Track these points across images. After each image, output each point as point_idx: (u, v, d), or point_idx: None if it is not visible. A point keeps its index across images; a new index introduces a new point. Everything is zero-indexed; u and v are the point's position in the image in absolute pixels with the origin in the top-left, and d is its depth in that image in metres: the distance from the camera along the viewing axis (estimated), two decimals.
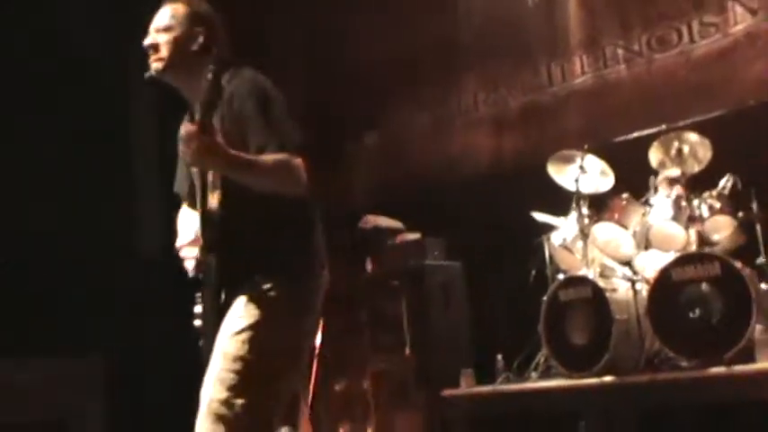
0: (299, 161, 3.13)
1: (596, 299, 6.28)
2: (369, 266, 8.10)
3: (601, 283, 6.35)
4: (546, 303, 6.53)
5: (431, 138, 8.76)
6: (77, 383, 7.67)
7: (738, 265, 5.84)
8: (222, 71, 3.22)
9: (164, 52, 3.36)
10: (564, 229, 6.79)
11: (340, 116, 9.45)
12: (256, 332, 3.11)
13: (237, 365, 3.07)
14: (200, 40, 3.40)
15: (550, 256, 6.95)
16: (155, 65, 3.39)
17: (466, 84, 8.62)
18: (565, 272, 6.77)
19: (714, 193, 6.28)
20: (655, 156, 6.63)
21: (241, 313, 3.15)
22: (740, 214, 6.18)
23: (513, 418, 6.64)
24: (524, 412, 6.58)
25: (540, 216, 6.97)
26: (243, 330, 3.12)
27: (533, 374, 6.73)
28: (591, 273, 6.45)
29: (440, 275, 7.64)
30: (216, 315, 3.17)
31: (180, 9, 3.41)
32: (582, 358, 6.25)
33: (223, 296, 3.20)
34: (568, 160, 6.83)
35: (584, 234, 6.56)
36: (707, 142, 6.48)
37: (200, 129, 2.95)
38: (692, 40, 7.24)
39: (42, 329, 7.15)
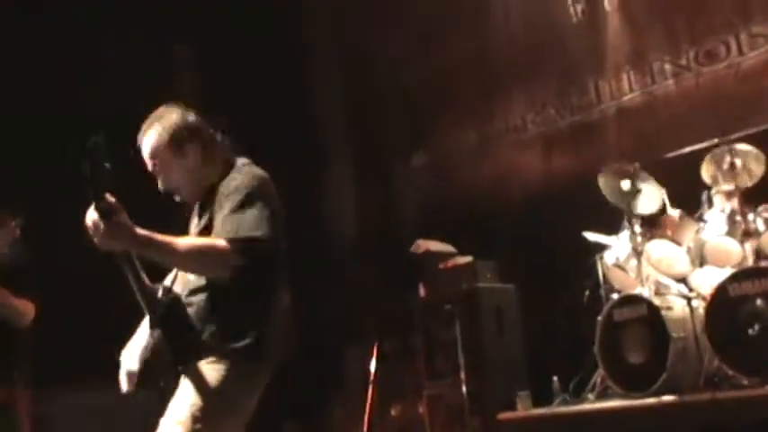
0: (223, 249, 3.21)
1: (652, 317, 6.18)
2: (422, 291, 8.07)
3: (656, 301, 6.25)
4: (601, 323, 6.44)
5: (479, 158, 8.76)
6: None
7: None
8: (225, 171, 3.51)
9: (182, 186, 3.55)
10: (616, 247, 6.72)
11: (387, 137, 9.48)
12: (201, 402, 3.26)
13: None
14: (198, 155, 3.54)
15: (604, 276, 6.88)
16: (183, 197, 3.60)
17: (513, 103, 8.61)
18: (619, 291, 6.69)
19: None
20: (707, 170, 6.54)
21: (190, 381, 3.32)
22: None
23: None
24: None
25: (591, 236, 6.90)
26: (189, 400, 3.28)
27: (590, 396, 6.63)
28: (646, 291, 6.35)
29: (493, 298, 7.59)
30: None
31: (160, 143, 3.49)
32: (639, 378, 6.15)
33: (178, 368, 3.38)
34: (619, 178, 6.74)
35: (637, 252, 6.47)
36: (761, 155, 6.39)
37: (99, 214, 3.00)
38: (740, 52, 7.16)
39: None
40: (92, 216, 3.04)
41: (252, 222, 3.28)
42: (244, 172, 3.49)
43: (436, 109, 8.99)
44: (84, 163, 2.95)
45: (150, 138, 3.50)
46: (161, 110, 3.58)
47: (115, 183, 3.04)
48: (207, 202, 3.52)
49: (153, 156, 3.49)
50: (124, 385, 3.45)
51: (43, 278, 5.10)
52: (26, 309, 5.01)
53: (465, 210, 8.47)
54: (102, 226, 3.01)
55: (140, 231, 3.10)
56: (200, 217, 3.56)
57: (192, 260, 3.25)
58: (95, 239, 3.06)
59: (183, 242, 3.25)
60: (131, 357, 3.45)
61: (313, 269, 8.64)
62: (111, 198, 3.02)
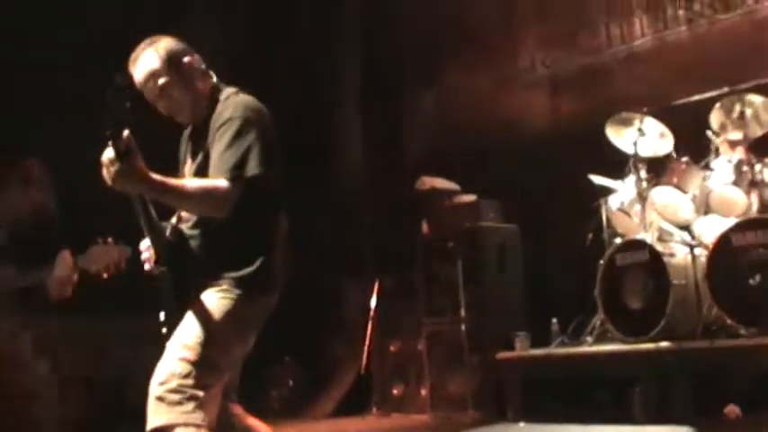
0: (225, 189, 3.23)
1: (654, 263, 6.21)
2: (424, 228, 8.09)
3: (658, 247, 6.27)
4: (602, 267, 6.48)
5: (487, 98, 8.69)
6: None
7: None
8: (216, 94, 3.53)
9: (182, 105, 3.52)
10: (621, 192, 6.72)
11: (397, 74, 9.43)
12: (210, 327, 3.30)
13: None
14: (196, 70, 3.55)
15: (607, 220, 6.89)
16: (179, 118, 3.58)
17: (524, 44, 8.54)
18: (622, 236, 6.71)
19: None
20: (716, 118, 6.51)
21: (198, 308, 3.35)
22: None
23: (568, 382, 6.63)
24: (579, 376, 6.56)
25: (597, 179, 6.90)
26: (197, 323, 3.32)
27: (588, 339, 6.70)
28: (648, 237, 6.36)
29: (496, 238, 7.62)
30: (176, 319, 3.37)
31: (155, 64, 3.48)
32: (638, 323, 6.20)
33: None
34: (627, 123, 6.73)
35: (642, 197, 6.48)
36: None
37: (116, 155, 3.03)
38: (756, 0, 7.09)
39: None
40: (108, 155, 3.05)
41: (248, 157, 3.29)
42: (234, 101, 3.46)
43: (447, 47, 8.92)
44: (104, 101, 2.97)
45: (143, 65, 3.48)
46: (147, 40, 3.55)
47: (134, 124, 3.05)
48: (200, 135, 3.52)
49: (151, 77, 3.47)
50: (147, 264, 3.50)
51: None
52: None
53: (471, 149, 8.42)
54: (116, 166, 3.03)
55: (153, 175, 3.12)
56: (194, 154, 3.56)
57: (199, 203, 3.29)
58: (108, 178, 3.07)
59: (190, 186, 3.28)
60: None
61: (315, 203, 8.65)
62: (128, 138, 3.03)
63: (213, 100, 3.52)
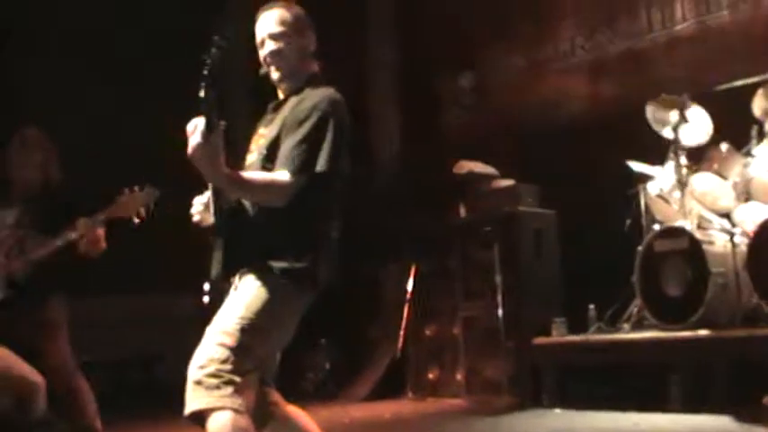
0: (286, 184, 3.27)
1: (693, 251, 6.16)
2: (462, 212, 8.08)
3: (698, 234, 6.22)
4: (641, 254, 6.44)
5: (526, 82, 8.66)
6: None
7: None
8: (310, 79, 3.58)
9: (285, 62, 3.59)
10: (661, 178, 6.65)
11: (435, 57, 9.41)
12: (250, 315, 3.29)
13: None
14: (311, 48, 3.66)
15: (646, 206, 6.82)
16: (275, 73, 3.60)
17: (563, 28, 8.48)
18: (661, 222, 6.65)
19: None
20: (758, 105, 6.43)
21: (240, 293, 3.36)
22: None
23: (604, 368, 6.60)
24: (615, 363, 6.53)
25: (636, 165, 6.84)
26: (239, 307, 3.31)
27: (626, 326, 6.66)
28: (688, 224, 6.31)
29: (533, 223, 7.58)
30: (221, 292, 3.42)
31: (288, 16, 3.62)
32: (676, 311, 6.16)
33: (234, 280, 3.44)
34: (668, 108, 6.66)
35: (681, 184, 6.41)
36: None
37: (206, 127, 3.07)
38: None
39: None
40: (195, 122, 3.10)
41: (318, 153, 3.32)
42: (321, 92, 3.49)
43: (487, 31, 8.90)
44: (207, 65, 3.06)
45: (276, 12, 3.61)
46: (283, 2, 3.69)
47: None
48: (279, 108, 3.56)
49: (278, 24, 3.57)
50: (196, 216, 3.54)
51: None
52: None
53: (509, 133, 8.41)
54: (198, 140, 3.07)
55: (223, 164, 3.14)
56: (268, 122, 3.59)
57: (256, 195, 3.34)
58: (189, 147, 3.10)
59: (251, 180, 3.32)
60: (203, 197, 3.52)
61: (353, 187, 8.65)
62: (221, 126, 3.09)
63: (305, 83, 3.57)
